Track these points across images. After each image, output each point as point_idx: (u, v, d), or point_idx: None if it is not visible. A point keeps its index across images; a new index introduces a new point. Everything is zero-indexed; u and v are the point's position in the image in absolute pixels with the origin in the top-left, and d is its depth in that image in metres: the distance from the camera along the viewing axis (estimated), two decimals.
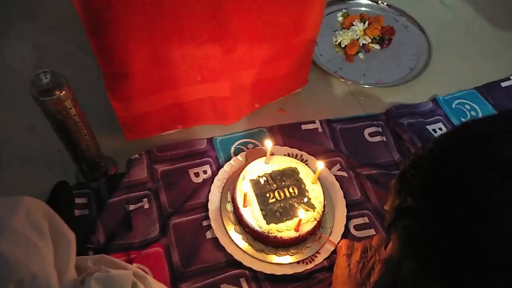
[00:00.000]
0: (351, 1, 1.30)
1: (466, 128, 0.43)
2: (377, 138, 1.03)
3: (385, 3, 1.30)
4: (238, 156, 0.95)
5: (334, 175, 0.94)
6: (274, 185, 0.85)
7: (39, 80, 0.67)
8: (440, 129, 1.06)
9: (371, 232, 0.88)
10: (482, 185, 0.35)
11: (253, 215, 0.81)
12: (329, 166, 0.96)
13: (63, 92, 0.68)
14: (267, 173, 0.86)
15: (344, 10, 1.27)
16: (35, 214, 0.65)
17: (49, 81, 0.68)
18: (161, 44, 0.74)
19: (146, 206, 0.87)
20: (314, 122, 1.04)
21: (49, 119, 0.72)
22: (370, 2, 1.30)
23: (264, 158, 0.88)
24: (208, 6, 0.71)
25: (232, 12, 0.75)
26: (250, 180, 0.85)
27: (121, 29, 0.69)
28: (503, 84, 1.17)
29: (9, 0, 1.09)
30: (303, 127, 1.03)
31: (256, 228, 0.80)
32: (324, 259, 0.82)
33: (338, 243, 0.81)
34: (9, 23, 1.10)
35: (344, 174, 0.95)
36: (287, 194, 0.84)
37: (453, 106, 1.11)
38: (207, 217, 0.86)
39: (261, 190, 0.84)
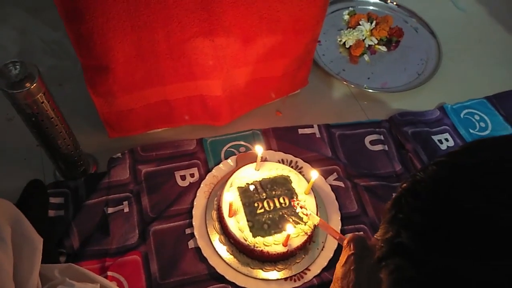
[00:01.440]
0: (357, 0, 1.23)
1: (472, 150, 0.37)
2: (379, 147, 0.96)
3: (394, 3, 1.23)
4: (229, 160, 0.88)
5: (330, 185, 0.87)
6: (264, 194, 0.78)
7: (8, 71, 0.61)
8: (447, 139, 1.00)
9: None
10: (494, 232, 0.29)
11: (239, 226, 0.75)
12: (325, 175, 0.89)
13: (34, 84, 0.62)
14: (256, 181, 0.80)
15: (350, 8, 1.20)
16: None
17: (19, 72, 0.61)
18: (145, 36, 0.68)
19: (126, 209, 0.82)
20: (312, 126, 0.97)
21: (20, 113, 0.66)
22: (378, 1, 1.23)
23: (255, 164, 0.82)
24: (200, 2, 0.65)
25: (225, 4, 0.68)
26: (238, 187, 0.79)
27: (100, 17, 0.62)
28: None
29: None
30: (300, 131, 0.96)
31: (241, 240, 0.74)
32: (314, 277, 0.76)
33: (347, 238, 0.66)
34: None
35: (341, 184, 0.89)
36: (277, 204, 0.78)
37: (462, 115, 1.04)
38: (190, 225, 0.80)
39: (249, 199, 0.78)
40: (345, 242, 0.58)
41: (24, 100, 0.63)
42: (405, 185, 0.38)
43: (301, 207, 0.70)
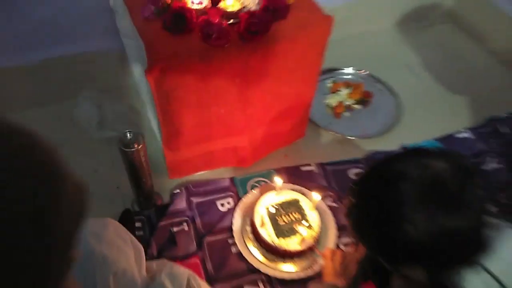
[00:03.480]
0: (337, 71, 1.66)
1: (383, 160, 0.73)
2: None
3: (365, 73, 1.66)
4: (254, 191, 1.25)
5: (328, 205, 1.24)
6: (283, 211, 1.15)
7: (125, 137, 0.99)
8: None
9: None
10: (385, 190, 0.64)
11: (268, 233, 1.10)
12: (323, 199, 1.26)
13: (140, 146, 1.00)
14: (277, 203, 1.16)
15: (332, 78, 1.63)
16: (120, 229, 0.94)
17: (131, 138, 0.99)
18: (204, 111, 1.07)
19: (186, 228, 1.17)
20: (310, 165, 1.35)
21: (125, 163, 1.03)
22: (353, 71, 1.66)
23: (275, 191, 1.19)
24: (239, 88, 1.04)
25: (255, 92, 1.08)
26: (266, 207, 1.15)
27: (180, 102, 1.01)
28: (457, 135, 1.50)
29: (76, 70, 1.42)
30: (302, 168, 1.34)
31: (270, 243, 1.09)
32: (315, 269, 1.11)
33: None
34: (77, 87, 1.43)
35: (335, 205, 1.25)
36: (292, 218, 1.14)
37: None
38: (232, 237, 1.15)
39: (273, 215, 1.14)
40: (327, 253, 0.96)
41: (132, 156, 1.00)
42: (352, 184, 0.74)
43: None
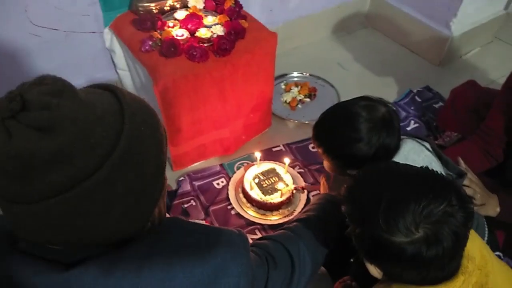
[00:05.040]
0: (288, 75, 2.11)
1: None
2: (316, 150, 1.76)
3: (308, 74, 2.12)
4: (240, 170, 1.64)
5: (297, 171, 1.64)
6: (264, 177, 1.54)
7: None
8: None
9: None
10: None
11: (256, 194, 1.49)
12: (293, 167, 1.66)
13: None
14: (259, 172, 1.56)
15: (284, 81, 2.07)
16: None
17: None
18: (195, 112, 1.46)
19: (194, 203, 1.53)
20: (279, 146, 1.76)
21: None
22: (299, 74, 2.12)
23: (256, 165, 1.58)
24: (219, 91, 1.45)
25: (231, 94, 1.49)
26: (252, 176, 1.54)
27: (178, 107, 1.40)
28: None
29: None
30: (273, 149, 1.75)
31: (259, 199, 1.47)
32: (298, 213, 1.50)
33: (303, 186, 1.49)
34: None
35: (302, 170, 1.66)
36: (272, 181, 1.53)
37: None
38: (230, 204, 1.53)
39: (258, 181, 1.53)
40: (323, 178, 1.35)
41: None
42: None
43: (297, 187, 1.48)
